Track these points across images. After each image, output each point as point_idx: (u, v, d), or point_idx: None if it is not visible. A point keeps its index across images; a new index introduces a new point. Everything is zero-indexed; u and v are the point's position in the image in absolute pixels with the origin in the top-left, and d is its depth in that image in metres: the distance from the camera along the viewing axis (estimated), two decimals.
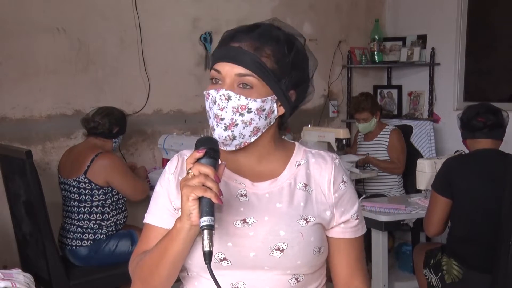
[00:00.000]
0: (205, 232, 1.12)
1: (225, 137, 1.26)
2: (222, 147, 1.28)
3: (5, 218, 3.30)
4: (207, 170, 1.13)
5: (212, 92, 1.27)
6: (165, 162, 3.84)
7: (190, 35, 4.12)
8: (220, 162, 1.19)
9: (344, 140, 3.87)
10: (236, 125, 1.25)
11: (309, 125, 4.10)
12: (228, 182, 1.30)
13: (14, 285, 1.92)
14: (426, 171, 3.11)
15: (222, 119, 1.25)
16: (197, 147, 1.18)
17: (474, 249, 2.67)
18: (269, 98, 1.27)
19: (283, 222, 1.25)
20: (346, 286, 1.36)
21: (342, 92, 4.91)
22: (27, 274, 2.06)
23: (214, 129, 1.27)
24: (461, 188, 2.66)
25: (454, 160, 2.79)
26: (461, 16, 4.50)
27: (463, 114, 2.81)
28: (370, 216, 2.99)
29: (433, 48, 4.65)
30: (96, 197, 3.07)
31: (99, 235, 3.08)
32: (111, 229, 3.12)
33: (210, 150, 1.17)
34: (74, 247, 3.07)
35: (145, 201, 3.01)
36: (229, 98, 1.25)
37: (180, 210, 1.29)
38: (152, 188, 3.22)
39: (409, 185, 4.07)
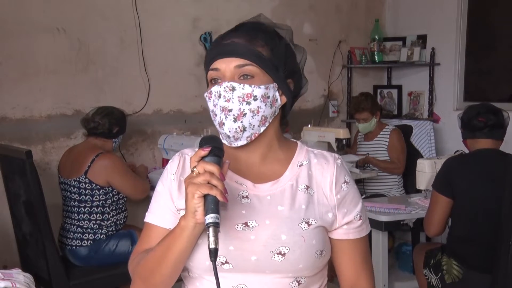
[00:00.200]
0: (211, 229, 1.11)
1: (236, 129, 1.26)
2: (233, 143, 1.29)
3: (5, 218, 3.30)
4: (213, 168, 1.13)
5: (215, 88, 1.27)
6: (165, 162, 3.84)
7: (190, 35, 4.12)
8: (224, 161, 1.19)
9: (344, 140, 3.88)
10: (245, 114, 1.25)
11: (309, 125, 4.11)
12: (229, 183, 1.28)
13: (14, 285, 1.92)
14: (426, 171, 3.11)
15: (230, 111, 1.25)
16: (201, 146, 1.18)
17: (474, 249, 2.67)
18: (271, 85, 1.28)
19: (285, 225, 1.24)
20: (353, 287, 1.35)
21: (342, 92, 4.91)
22: (27, 274, 2.06)
23: (224, 123, 1.26)
24: (461, 188, 2.66)
25: (454, 160, 2.79)
26: (461, 16, 4.50)
27: (463, 114, 2.81)
28: (370, 216, 2.99)
29: (433, 48, 4.65)
30: (96, 197, 3.07)
31: (99, 235, 3.08)
32: (111, 229, 3.12)
33: (215, 148, 1.17)
34: (74, 247, 3.07)
35: (146, 201, 3.01)
36: (233, 89, 1.25)
37: (182, 211, 1.29)
38: (152, 187, 3.22)
39: (409, 185, 4.07)
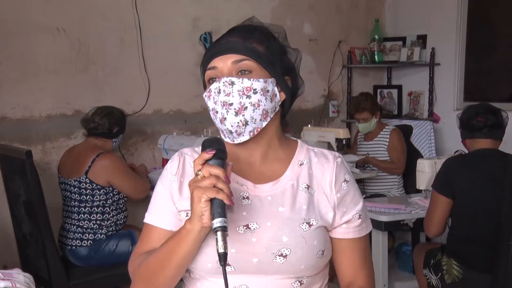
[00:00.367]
0: (219, 233, 1.11)
1: (238, 123, 1.26)
2: (236, 140, 1.28)
3: (5, 218, 3.30)
4: (218, 171, 1.13)
5: (214, 85, 1.27)
6: (165, 162, 3.84)
7: (190, 35, 4.12)
8: (228, 163, 1.18)
9: (344, 140, 3.88)
10: (246, 108, 1.25)
11: (309, 125, 4.11)
12: (230, 184, 1.29)
13: (14, 285, 1.92)
14: (426, 171, 3.11)
15: (231, 105, 1.25)
16: (204, 148, 1.17)
17: (474, 249, 2.67)
18: (270, 80, 1.28)
19: (286, 227, 1.24)
20: (350, 285, 1.35)
21: (342, 92, 4.91)
22: (27, 274, 2.06)
23: (225, 118, 1.26)
24: (461, 188, 2.66)
25: (454, 160, 2.79)
26: (461, 16, 4.50)
27: (462, 114, 2.82)
28: (370, 216, 2.95)
29: (433, 48, 4.65)
30: (97, 197, 3.07)
31: (99, 235, 3.08)
32: (111, 229, 3.12)
33: (218, 151, 1.16)
34: (74, 247, 3.08)
35: (146, 201, 3.00)
36: (232, 83, 1.25)
37: (182, 212, 1.29)
38: (152, 187, 3.22)
39: (409, 185, 4.07)
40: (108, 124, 3.20)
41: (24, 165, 2.77)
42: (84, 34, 3.73)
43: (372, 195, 4.01)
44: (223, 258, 1.11)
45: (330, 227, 1.31)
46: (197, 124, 4.11)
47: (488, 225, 2.60)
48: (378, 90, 5.03)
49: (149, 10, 3.92)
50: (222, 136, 1.30)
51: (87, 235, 3.07)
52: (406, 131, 4.29)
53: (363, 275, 1.35)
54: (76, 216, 3.08)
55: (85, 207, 3.07)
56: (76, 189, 3.07)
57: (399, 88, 4.97)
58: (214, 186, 1.12)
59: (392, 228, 3.77)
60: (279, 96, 1.31)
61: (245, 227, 1.24)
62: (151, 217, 1.33)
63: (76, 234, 3.08)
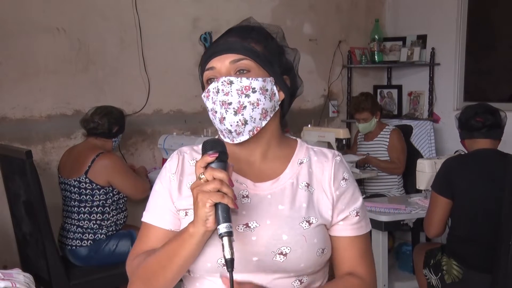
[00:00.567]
0: (225, 239, 1.11)
1: (237, 122, 1.25)
2: (235, 139, 1.28)
3: (5, 218, 3.30)
4: (222, 175, 1.12)
5: (212, 84, 1.27)
6: (165, 162, 3.82)
7: (190, 35, 4.12)
8: (229, 164, 1.18)
9: (344, 140, 3.87)
10: (245, 107, 1.25)
11: (309, 125, 4.11)
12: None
13: (14, 285, 1.92)
14: (426, 171, 3.11)
15: (229, 104, 1.25)
16: (205, 150, 1.16)
17: (474, 249, 2.67)
18: (268, 79, 1.28)
19: (286, 225, 1.24)
20: (347, 275, 1.34)
21: (342, 92, 4.91)
22: (27, 274, 2.06)
23: (224, 117, 1.25)
24: (461, 188, 2.66)
25: (453, 160, 2.79)
26: (461, 16, 4.50)
27: (461, 114, 2.82)
28: (370, 216, 2.98)
29: (433, 48, 4.65)
30: (97, 197, 3.07)
31: (99, 235, 3.08)
32: (111, 229, 3.12)
33: (221, 153, 1.15)
34: (74, 247, 3.08)
35: (145, 200, 2.99)
36: (231, 83, 1.25)
37: (181, 211, 1.29)
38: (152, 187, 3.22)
39: (409, 185, 4.07)
40: (107, 124, 3.21)
41: (24, 165, 2.77)
42: (84, 34, 3.73)
43: (372, 195, 4.01)
44: (230, 264, 1.10)
45: (329, 225, 1.31)
46: (197, 124, 4.11)
47: (488, 225, 2.60)
48: (378, 90, 5.03)
49: (149, 10, 3.92)
50: (222, 136, 1.30)
51: (87, 235, 3.07)
52: (406, 131, 4.29)
53: (362, 268, 1.34)
54: (76, 216, 3.08)
55: (85, 207, 3.07)
56: (76, 189, 3.07)
57: (399, 88, 4.97)
58: (219, 191, 1.11)
59: (392, 228, 3.77)
60: (278, 96, 1.31)
61: (244, 226, 1.24)
62: (149, 216, 1.33)
63: (76, 234, 3.08)
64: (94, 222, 3.08)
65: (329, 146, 3.89)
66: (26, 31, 3.53)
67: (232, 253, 1.10)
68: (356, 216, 1.33)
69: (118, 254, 3.07)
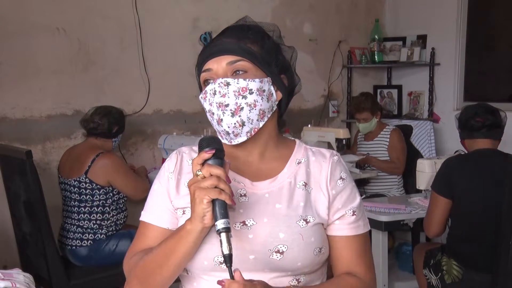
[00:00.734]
0: (223, 235, 1.11)
1: (235, 124, 1.25)
2: (233, 141, 1.28)
3: (5, 218, 3.29)
4: (219, 171, 1.13)
5: (209, 86, 1.27)
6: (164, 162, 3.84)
7: (190, 35, 4.12)
8: (225, 161, 1.18)
9: (344, 140, 3.88)
10: (242, 108, 1.25)
11: (309, 125, 4.10)
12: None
13: (14, 285, 1.92)
14: (426, 171, 3.11)
15: (227, 106, 1.25)
16: (201, 147, 1.17)
17: (474, 249, 2.67)
18: (265, 79, 1.28)
19: (283, 224, 1.24)
20: (345, 273, 1.33)
21: (342, 92, 4.91)
22: (27, 274, 2.07)
23: (222, 119, 1.25)
24: (461, 188, 2.66)
25: (453, 160, 2.79)
26: (461, 16, 4.50)
27: (461, 115, 2.82)
28: (370, 216, 2.99)
29: (433, 48, 4.65)
30: (97, 197, 3.07)
31: (99, 235, 3.08)
32: (111, 229, 3.12)
33: (217, 150, 1.16)
34: (74, 247, 3.08)
35: (145, 200, 3.01)
36: (228, 84, 1.25)
37: (179, 210, 1.29)
38: None
39: (409, 185, 4.07)
40: (107, 124, 3.21)
41: (24, 165, 2.77)
42: (84, 34, 3.73)
43: (372, 195, 4.01)
44: (228, 259, 1.11)
45: (326, 224, 1.31)
46: (197, 124, 4.11)
47: (488, 225, 2.60)
48: (378, 90, 5.03)
49: (149, 10, 3.92)
50: (220, 137, 1.30)
51: (87, 235, 3.07)
52: (406, 131, 4.29)
53: (361, 268, 1.33)
54: (76, 216, 3.08)
55: (85, 207, 3.07)
56: (76, 189, 3.07)
57: (399, 88, 4.97)
58: (216, 187, 1.12)
59: (392, 228, 3.77)
60: (276, 96, 1.31)
61: (241, 224, 1.24)
62: (147, 215, 1.34)
63: (76, 234, 3.08)
64: (94, 222, 3.08)
65: (329, 146, 3.89)
66: (26, 31, 3.53)
67: (230, 249, 1.11)
68: (352, 215, 1.32)
69: (118, 254, 3.07)
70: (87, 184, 3.05)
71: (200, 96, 1.30)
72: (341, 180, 1.33)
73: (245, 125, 1.26)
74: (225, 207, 1.12)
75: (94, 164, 3.06)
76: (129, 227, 3.23)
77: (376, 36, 4.83)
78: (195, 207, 1.14)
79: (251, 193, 1.29)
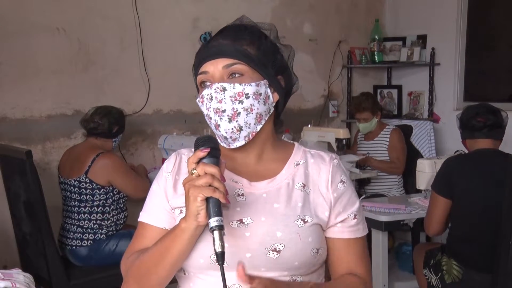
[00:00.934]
0: (216, 233, 1.11)
1: (232, 129, 1.26)
2: (231, 145, 1.28)
3: (5, 218, 3.30)
4: (213, 170, 1.13)
5: (206, 91, 1.27)
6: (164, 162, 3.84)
7: (190, 35, 4.12)
8: (221, 161, 1.18)
9: (344, 140, 3.87)
10: (239, 113, 1.25)
11: (309, 125, 4.10)
12: (225, 181, 1.29)
13: (14, 285, 1.92)
14: (426, 171, 3.11)
15: (223, 111, 1.25)
16: (197, 146, 1.17)
17: (474, 249, 2.67)
18: (262, 82, 1.28)
19: (280, 222, 1.24)
20: (344, 275, 1.33)
21: (342, 92, 4.91)
22: (27, 274, 2.07)
23: (219, 125, 1.26)
24: (461, 188, 2.66)
25: (454, 160, 2.79)
26: (461, 16, 4.50)
27: (462, 115, 2.82)
28: (370, 216, 2.99)
29: (433, 48, 4.65)
30: (97, 197, 3.07)
31: (99, 235, 3.09)
32: (111, 229, 3.12)
33: (212, 149, 1.16)
34: (74, 247, 3.08)
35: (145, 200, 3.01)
36: (224, 89, 1.25)
37: (176, 209, 1.29)
38: None
39: (409, 185, 4.07)
40: (107, 124, 3.21)
41: (24, 165, 2.77)
42: (84, 34, 3.73)
43: (372, 195, 4.01)
44: (220, 257, 1.11)
45: (325, 226, 1.31)
46: (197, 124, 4.10)
47: (488, 225, 2.60)
48: (378, 90, 5.03)
49: (149, 10, 3.92)
50: (218, 140, 1.30)
51: (87, 235, 3.08)
52: (406, 131, 4.29)
53: (361, 270, 1.34)
54: (76, 216, 3.08)
55: (85, 207, 3.07)
56: (76, 189, 3.07)
57: (399, 88, 4.96)
58: (210, 185, 1.12)
59: (392, 228, 3.77)
60: (273, 98, 1.31)
61: (238, 222, 1.25)
62: (145, 215, 1.34)
63: (76, 234, 3.08)
64: (94, 222, 3.08)
65: (329, 146, 3.89)
66: (26, 31, 3.53)
67: (222, 247, 1.11)
68: (354, 219, 1.33)
69: (118, 254, 3.06)
70: (87, 184, 3.05)
71: (197, 99, 1.31)
72: (341, 183, 1.33)
73: (242, 130, 1.27)
74: (219, 206, 1.13)
75: (94, 164, 3.06)
76: (129, 227, 3.23)
77: (376, 36, 4.83)
78: (189, 205, 1.14)
79: (248, 193, 1.29)
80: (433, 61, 4.65)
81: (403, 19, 4.92)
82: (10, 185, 3.08)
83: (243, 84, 1.25)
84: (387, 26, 5.04)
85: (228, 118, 1.25)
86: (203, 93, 1.27)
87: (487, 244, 2.60)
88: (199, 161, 1.15)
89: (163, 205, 1.32)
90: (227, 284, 1.13)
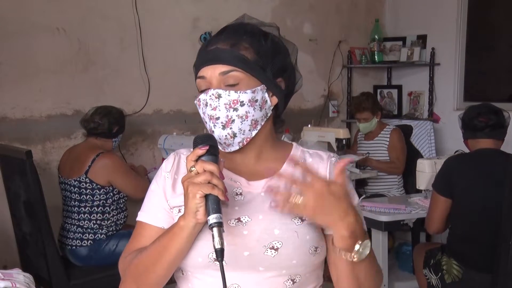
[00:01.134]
0: (215, 229, 1.11)
1: (226, 136, 1.26)
2: (226, 149, 1.29)
3: (5, 218, 3.30)
4: (212, 167, 1.13)
5: (202, 96, 1.27)
6: None
7: (190, 35, 4.12)
8: (219, 159, 1.19)
9: (344, 140, 3.88)
10: (233, 121, 1.25)
11: (309, 125, 4.10)
12: (224, 180, 1.29)
13: (14, 285, 1.92)
14: (426, 171, 3.11)
15: (217, 119, 1.26)
16: (196, 144, 1.17)
17: (474, 248, 2.67)
18: (259, 88, 1.27)
19: (278, 220, 1.24)
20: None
21: (342, 92, 4.91)
22: (27, 274, 2.06)
23: (213, 131, 1.27)
24: (461, 188, 2.66)
25: (455, 159, 2.79)
26: (461, 16, 4.50)
27: (464, 114, 2.81)
28: (370, 216, 2.99)
29: (433, 48, 4.65)
30: (97, 197, 3.07)
31: (99, 235, 3.09)
32: (111, 229, 3.12)
33: (211, 147, 1.17)
34: (74, 247, 3.08)
35: None
36: (219, 96, 1.25)
37: (175, 208, 1.30)
38: None
39: (409, 185, 4.07)
40: (107, 124, 3.21)
41: (24, 165, 2.77)
42: (84, 34, 3.73)
43: (372, 195, 4.01)
44: (220, 254, 1.11)
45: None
46: (197, 124, 4.10)
47: (488, 225, 2.60)
48: (378, 90, 5.03)
49: (149, 10, 3.92)
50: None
51: (87, 235, 3.08)
52: (406, 131, 4.29)
53: None
54: (76, 216, 3.08)
55: (85, 207, 3.07)
56: (76, 189, 3.07)
57: (399, 88, 4.97)
58: (209, 182, 1.12)
59: (392, 228, 3.77)
60: (271, 102, 1.31)
61: (236, 220, 1.25)
62: (144, 215, 1.34)
63: (76, 234, 3.08)
64: (94, 222, 3.08)
65: (329, 146, 3.89)
66: (26, 31, 3.53)
67: (222, 243, 1.11)
68: None
69: (118, 254, 3.02)
70: (87, 184, 3.05)
71: (195, 101, 1.31)
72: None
73: (236, 137, 1.27)
74: (218, 203, 1.13)
75: (94, 164, 3.06)
76: (129, 227, 3.22)
77: (376, 36, 4.83)
78: (188, 202, 1.14)
79: (246, 191, 1.29)
80: (433, 61, 4.66)
81: (403, 19, 4.92)
82: (10, 185, 3.08)
83: (239, 91, 1.25)
84: (387, 26, 5.04)
85: (222, 125, 1.26)
86: (200, 97, 1.28)
87: (487, 244, 2.60)
88: (198, 159, 1.15)
89: (162, 204, 1.32)
90: (227, 286, 1.13)
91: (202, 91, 1.29)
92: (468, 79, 4.58)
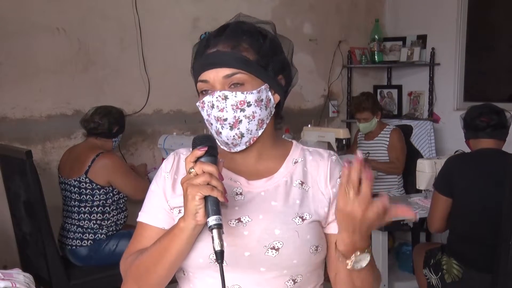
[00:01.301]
0: (215, 231, 1.11)
1: (233, 136, 1.26)
2: (232, 149, 1.29)
3: (5, 218, 3.29)
4: (211, 168, 1.13)
5: (207, 98, 1.26)
6: None
7: (190, 35, 4.11)
8: (219, 160, 1.18)
9: (344, 140, 3.87)
10: (240, 121, 1.25)
11: (309, 125, 4.10)
12: (223, 180, 1.29)
13: (14, 285, 1.92)
14: (426, 171, 3.11)
15: (225, 120, 1.25)
16: (195, 145, 1.17)
17: (474, 248, 2.67)
18: (263, 87, 1.28)
19: (278, 220, 1.24)
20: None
21: (342, 92, 4.91)
22: (27, 274, 2.06)
23: (220, 132, 1.26)
24: (461, 187, 2.66)
25: (455, 159, 2.79)
26: (461, 16, 4.50)
27: (466, 114, 2.81)
28: None
29: (433, 48, 4.65)
30: (97, 197, 3.07)
31: (99, 235, 3.09)
32: (111, 229, 3.12)
33: (210, 147, 1.16)
34: (74, 247, 3.08)
35: None
36: (226, 98, 1.24)
37: (175, 209, 1.29)
38: None
39: (409, 185, 4.07)
40: (107, 124, 3.21)
41: (24, 165, 2.77)
42: (84, 34, 3.73)
43: (372, 195, 4.00)
44: (219, 256, 1.10)
45: (325, 222, 1.31)
46: (197, 124, 4.10)
47: (488, 225, 2.60)
48: (378, 90, 5.03)
49: (149, 10, 3.92)
50: (218, 143, 1.30)
51: (87, 235, 3.08)
52: (406, 131, 4.29)
53: None
54: (76, 216, 3.08)
55: (85, 207, 3.07)
56: (76, 189, 3.07)
57: (399, 88, 4.97)
58: (208, 184, 1.12)
59: (392, 228, 3.77)
60: (274, 100, 1.31)
61: (237, 221, 1.25)
62: (144, 215, 1.34)
63: (76, 234, 3.08)
64: (94, 222, 3.08)
65: (329, 146, 3.89)
66: (26, 31, 3.53)
67: (221, 245, 1.10)
68: None
69: (118, 254, 3.04)
70: (87, 184, 3.05)
71: (197, 104, 1.30)
72: (340, 178, 1.32)
73: (244, 136, 1.27)
74: (218, 204, 1.13)
75: (94, 164, 3.06)
76: (129, 227, 3.22)
77: (376, 36, 4.83)
78: (187, 204, 1.14)
79: (246, 191, 1.29)
80: (433, 61, 4.66)
81: (403, 19, 4.93)
82: (10, 185, 3.08)
83: (245, 92, 1.25)
84: (387, 26, 5.04)
85: (230, 126, 1.25)
86: (204, 99, 1.27)
87: (487, 244, 2.60)
88: (197, 160, 1.15)
89: (162, 205, 1.32)
90: (226, 284, 1.13)
91: (204, 93, 1.28)
92: (468, 79, 4.58)
